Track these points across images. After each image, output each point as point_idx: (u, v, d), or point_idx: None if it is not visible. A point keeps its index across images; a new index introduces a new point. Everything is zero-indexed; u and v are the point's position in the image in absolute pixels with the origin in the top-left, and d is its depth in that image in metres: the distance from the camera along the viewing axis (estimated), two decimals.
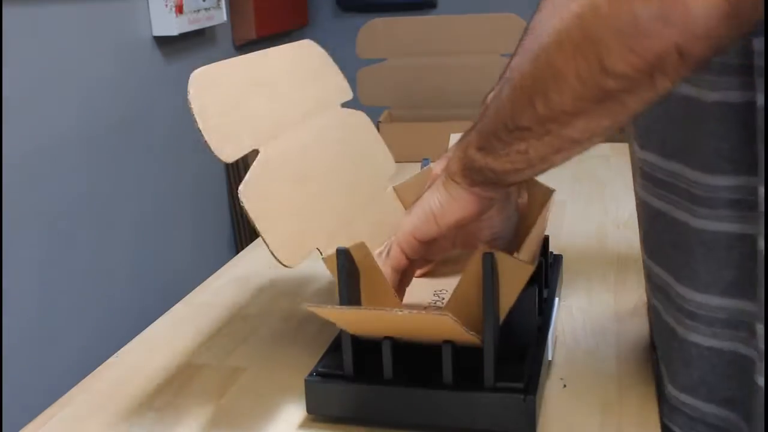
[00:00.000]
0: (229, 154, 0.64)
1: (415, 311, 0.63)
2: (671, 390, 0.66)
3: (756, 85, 0.54)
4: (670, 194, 0.63)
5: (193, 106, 0.61)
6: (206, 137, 0.61)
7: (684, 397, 0.65)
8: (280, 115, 0.73)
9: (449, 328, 0.60)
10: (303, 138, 0.75)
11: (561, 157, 0.57)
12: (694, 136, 0.59)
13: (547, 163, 0.58)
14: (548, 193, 0.77)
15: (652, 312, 0.71)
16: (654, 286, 0.70)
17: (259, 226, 0.62)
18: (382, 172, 0.87)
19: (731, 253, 0.58)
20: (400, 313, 0.61)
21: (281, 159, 0.70)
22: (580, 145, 0.55)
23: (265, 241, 0.63)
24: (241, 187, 0.63)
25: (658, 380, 0.71)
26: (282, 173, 0.69)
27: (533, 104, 0.54)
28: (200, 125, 0.61)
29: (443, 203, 0.66)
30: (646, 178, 0.68)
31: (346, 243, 0.67)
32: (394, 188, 0.87)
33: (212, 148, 0.62)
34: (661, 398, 0.69)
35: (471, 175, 0.63)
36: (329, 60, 0.87)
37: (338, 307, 0.64)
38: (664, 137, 0.64)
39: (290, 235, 0.67)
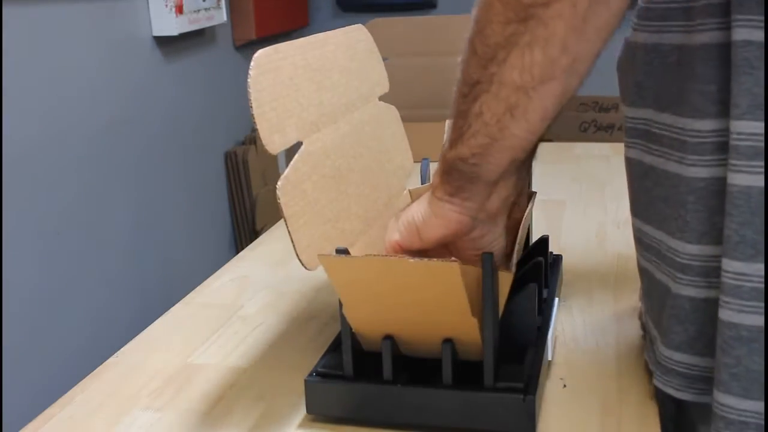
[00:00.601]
0: (276, 145, 0.63)
1: (422, 259, 0.61)
2: (664, 351, 0.65)
3: (731, 22, 0.55)
4: (661, 147, 0.64)
5: (251, 90, 0.61)
6: (258, 125, 0.61)
7: (679, 356, 0.64)
8: (325, 106, 0.72)
9: (455, 278, 0.60)
10: (342, 131, 0.74)
11: (518, 124, 0.57)
12: (684, 83, 0.60)
13: (506, 132, 0.58)
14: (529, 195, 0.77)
15: (644, 276, 0.71)
16: (645, 248, 0.69)
17: (290, 225, 0.62)
18: (401, 172, 0.87)
19: (721, 199, 0.58)
20: (410, 260, 0.60)
21: (320, 153, 0.70)
22: (527, 95, 0.55)
23: (292, 241, 0.62)
24: (280, 182, 0.62)
25: (648, 348, 0.71)
26: (319, 170, 0.69)
27: (475, 49, 0.55)
28: (254, 111, 0.61)
29: (425, 218, 0.65)
30: (638, 136, 0.68)
31: (361, 250, 0.67)
32: (410, 192, 0.87)
33: (262, 137, 0.62)
34: (655, 365, 0.68)
35: (448, 180, 0.63)
36: (375, 49, 0.86)
37: (346, 256, 0.63)
38: (658, 91, 0.64)
39: (315, 238, 0.66)
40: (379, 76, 0.86)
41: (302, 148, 0.67)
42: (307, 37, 0.72)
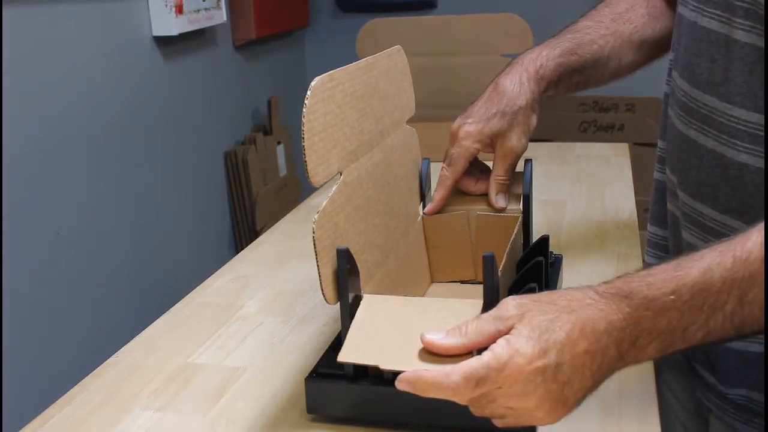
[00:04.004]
0: (320, 177, 0.64)
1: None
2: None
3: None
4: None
5: (305, 120, 0.62)
6: (306, 156, 0.62)
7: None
8: (365, 134, 0.73)
9: None
10: (375, 159, 0.75)
11: None
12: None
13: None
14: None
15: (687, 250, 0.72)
16: (692, 221, 0.73)
17: (320, 259, 0.63)
18: (415, 200, 0.88)
19: None
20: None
21: (356, 184, 0.70)
22: None
23: (319, 274, 0.63)
24: (317, 215, 0.63)
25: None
26: (353, 201, 0.69)
27: None
28: (305, 142, 0.62)
29: None
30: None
31: (378, 285, 0.68)
32: (423, 218, 0.88)
33: (309, 168, 0.62)
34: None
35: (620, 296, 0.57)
36: (408, 71, 0.87)
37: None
38: None
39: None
40: (408, 99, 0.87)
41: (341, 178, 0.67)
42: (358, 62, 0.73)
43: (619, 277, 0.58)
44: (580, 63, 0.89)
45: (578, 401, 0.56)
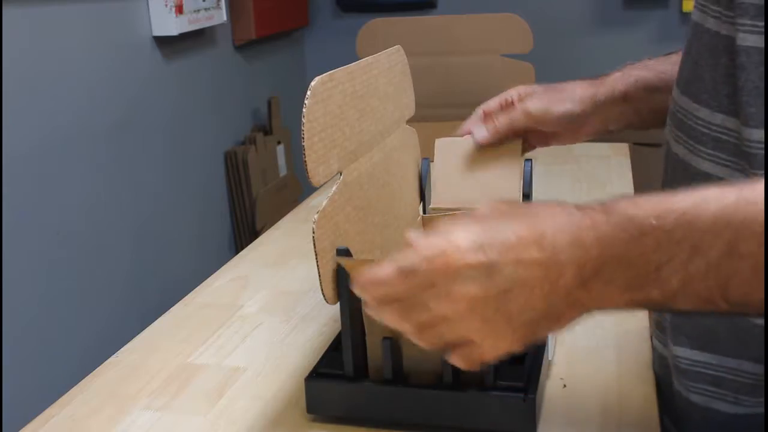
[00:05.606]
0: (320, 177, 0.64)
1: None
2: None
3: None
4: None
5: (304, 120, 0.62)
6: (306, 156, 0.62)
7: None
8: (364, 134, 0.73)
9: None
10: (375, 159, 0.75)
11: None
12: None
13: None
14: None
15: None
16: None
17: (320, 259, 0.63)
18: (415, 199, 0.87)
19: None
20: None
21: (356, 184, 0.70)
22: None
23: (319, 274, 0.63)
24: (316, 215, 0.63)
25: None
26: (353, 201, 0.69)
27: None
28: (305, 142, 0.62)
29: None
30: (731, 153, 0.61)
31: None
32: (422, 218, 0.87)
33: (309, 168, 0.62)
34: None
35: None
36: (408, 71, 0.87)
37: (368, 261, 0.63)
38: None
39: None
40: (408, 99, 0.87)
41: (341, 178, 0.67)
42: (358, 62, 0.73)
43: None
44: (660, 79, 0.78)
45: (527, 326, 0.48)
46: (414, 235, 0.52)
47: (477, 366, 0.52)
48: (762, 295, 0.44)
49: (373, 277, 0.51)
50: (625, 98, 0.80)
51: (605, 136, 0.85)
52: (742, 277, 0.44)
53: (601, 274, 0.47)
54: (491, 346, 0.50)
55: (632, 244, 0.46)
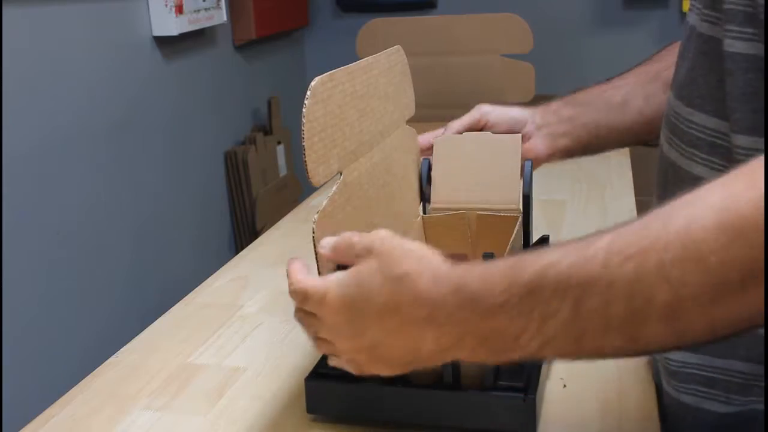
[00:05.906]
0: (320, 177, 0.64)
1: None
2: None
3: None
4: None
5: (304, 120, 0.62)
6: (306, 156, 0.62)
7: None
8: (364, 134, 0.73)
9: None
10: (375, 159, 0.75)
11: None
12: None
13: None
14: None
15: None
16: None
17: (320, 259, 0.63)
18: (415, 199, 0.88)
19: None
20: None
21: (356, 184, 0.70)
22: None
23: (319, 274, 0.63)
24: (316, 215, 0.63)
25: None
26: (353, 201, 0.69)
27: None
28: (305, 142, 0.62)
29: None
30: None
31: None
32: (423, 218, 0.87)
33: (309, 168, 0.62)
34: None
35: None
36: (408, 71, 0.87)
37: None
38: None
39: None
40: (409, 99, 0.87)
41: (341, 178, 0.67)
42: (358, 62, 0.73)
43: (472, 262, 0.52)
44: (585, 97, 0.89)
45: (409, 363, 0.54)
46: (293, 267, 0.60)
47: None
48: (616, 344, 0.45)
49: (289, 282, 0.59)
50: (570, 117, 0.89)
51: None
52: (594, 332, 0.46)
53: (461, 345, 0.50)
54: (378, 370, 0.57)
55: (482, 324, 0.49)
